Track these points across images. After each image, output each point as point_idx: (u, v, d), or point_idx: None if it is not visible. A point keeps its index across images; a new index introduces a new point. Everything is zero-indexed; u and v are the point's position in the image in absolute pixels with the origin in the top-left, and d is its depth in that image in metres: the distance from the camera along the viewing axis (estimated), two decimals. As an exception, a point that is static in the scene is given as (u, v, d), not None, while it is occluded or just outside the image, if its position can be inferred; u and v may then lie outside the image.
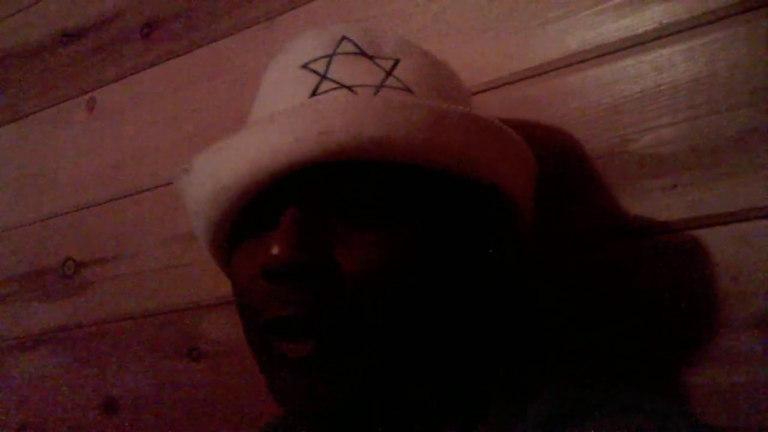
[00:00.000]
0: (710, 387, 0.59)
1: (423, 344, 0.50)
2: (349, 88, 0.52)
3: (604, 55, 0.66)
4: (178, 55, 0.98)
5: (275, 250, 0.47)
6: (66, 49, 1.10)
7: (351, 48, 0.55)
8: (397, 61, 0.54)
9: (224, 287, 0.53)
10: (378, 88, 0.52)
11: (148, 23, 1.01)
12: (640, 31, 0.65)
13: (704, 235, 0.60)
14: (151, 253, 0.97)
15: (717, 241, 0.59)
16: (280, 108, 0.50)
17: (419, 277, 0.49)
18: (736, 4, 0.60)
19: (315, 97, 0.52)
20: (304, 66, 0.54)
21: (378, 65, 0.54)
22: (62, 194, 1.08)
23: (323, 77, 0.53)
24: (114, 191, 1.01)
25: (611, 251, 0.64)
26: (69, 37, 1.10)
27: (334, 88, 0.52)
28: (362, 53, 0.54)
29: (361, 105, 0.47)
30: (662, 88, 0.63)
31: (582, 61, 0.67)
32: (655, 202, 0.62)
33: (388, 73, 0.53)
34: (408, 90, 0.53)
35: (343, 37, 0.55)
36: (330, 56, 0.54)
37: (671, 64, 0.63)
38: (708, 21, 0.62)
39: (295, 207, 0.49)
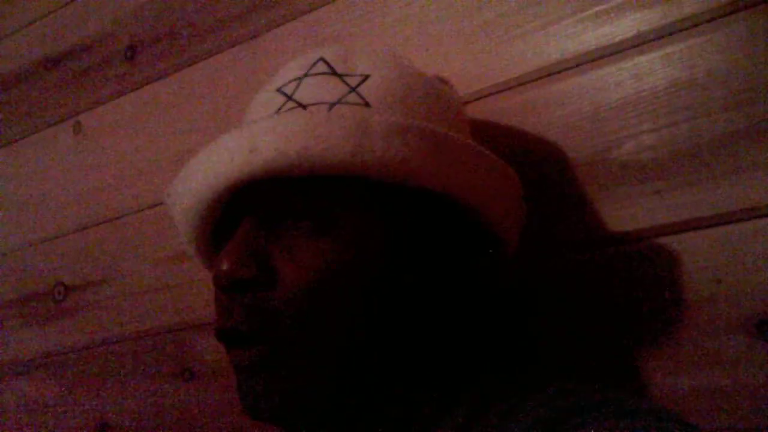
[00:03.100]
0: (695, 390, 0.59)
1: (370, 352, 0.50)
2: (304, 106, 0.53)
3: (584, 63, 0.67)
4: (162, 77, 0.98)
5: (222, 265, 0.49)
6: (50, 73, 1.11)
7: (323, 68, 0.56)
8: (365, 77, 0.55)
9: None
10: (332, 105, 0.53)
11: (131, 46, 1.02)
12: (618, 39, 0.65)
13: (687, 239, 0.61)
14: (141, 275, 0.96)
15: (700, 244, 0.60)
16: None
17: (360, 286, 0.50)
18: (711, 10, 0.61)
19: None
20: (278, 89, 0.56)
21: (345, 82, 0.55)
22: (51, 219, 1.07)
23: (288, 98, 0.55)
24: (102, 214, 1.01)
25: (596, 257, 0.64)
26: (53, 61, 1.10)
27: (293, 108, 0.54)
28: (333, 72, 0.55)
29: (290, 122, 0.49)
30: (642, 94, 0.64)
31: (562, 70, 0.68)
32: (638, 208, 0.63)
33: (352, 90, 0.54)
34: (366, 104, 0.53)
35: (320, 59, 0.57)
36: (300, 78, 0.56)
37: (650, 71, 0.64)
38: (684, 27, 0.62)
39: (247, 220, 0.51)
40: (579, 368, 0.63)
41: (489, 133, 0.70)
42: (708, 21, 0.62)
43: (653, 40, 0.64)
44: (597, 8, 0.67)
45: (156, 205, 0.96)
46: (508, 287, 0.67)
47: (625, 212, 0.63)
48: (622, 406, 0.44)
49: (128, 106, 1.01)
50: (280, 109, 0.54)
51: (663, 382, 0.61)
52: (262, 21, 0.89)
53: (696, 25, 0.62)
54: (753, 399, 0.57)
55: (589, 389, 0.48)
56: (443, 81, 0.64)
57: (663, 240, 0.62)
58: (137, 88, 1.00)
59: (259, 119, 0.52)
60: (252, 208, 0.51)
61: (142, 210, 0.97)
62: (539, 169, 0.67)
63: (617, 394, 0.47)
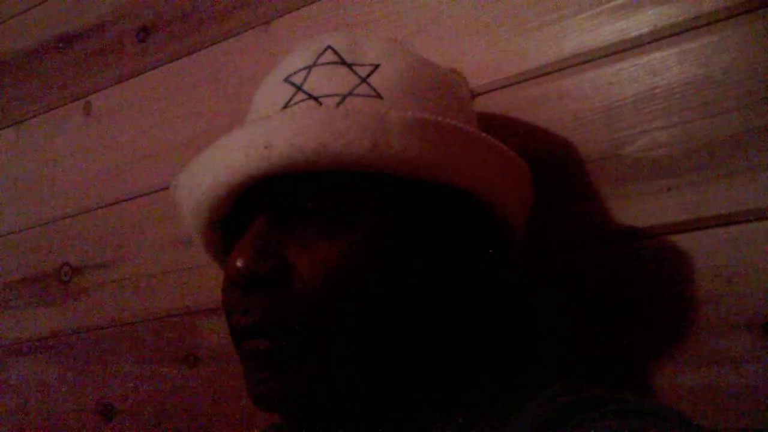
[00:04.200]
0: (700, 389, 0.59)
1: (382, 345, 0.50)
2: (317, 99, 0.53)
3: (599, 58, 0.67)
4: (173, 59, 0.98)
5: (237, 262, 0.49)
6: (62, 53, 1.11)
7: (332, 57, 0.55)
8: (375, 67, 0.54)
9: (221, 292, 0.54)
10: (345, 96, 0.52)
11: (143, 27, 1.01)
12: (634, 34, 0.65)
13: (699, 237, 0.60)
14: (148, 258, 0.97)
15: (711, 243, 0.60)
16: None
17: (373, 282, 0.49)
18: (729, 8, 0.61)
19: (278, 112, 0.53)
20: (286, 79, 0.55)
21: (355, 73, 0.54)
22: (59, 199, 1.08)
23: (298, 89, 0.54)
24: (111, 196, 1.02)
25: (607, 254, 0.64)
26: (65, 41, 1.10)
27: (304, 100, 0.53)
28: (342, 62, 0.55)
29: (305, 117, 0.48)
30: (656, 91, 0.63)
31: (577, 65, 0.68)
32: (650, 205, 0.62)
33: (362, 80, 0.53)
34: (378, 96, 0.53)
35: (327, 47, 0.56)
36: (309, 67, 0.55)
37: (665, 67, 0.63)
38: (701, 24, 0.62)
39: (261, 215, 0.51)
40: (582, 367, 0.63)
41: (501, 126, 0.70)
42: (725, 18, 0.61)
43: (670, 36, 0.63)
44: (614, 2, 0.66)
45: (164, 189, 0.96)
46: (513, 284, 0.66)
47: (636, 209, 0.63)
48: (624, 405, 0.44)
49: (139, 88, 1.01)
50: (290, 100, 0.54)
51: (669, 380, 0.61)
52: (275, 6, 0.89)
53: (713, 23, 0.62)
54: (759, 399, 0.56)
55: (590, 388, 0.48)
56: (454, 71, 0.64)
57: (673, 238, 0.61)
58: (149, 71, 1.00)
59: (273, 114, 0.51)
60: (264, 204, 0.51)
61: (151, 193, 0.97)
62: (550, 164, 0.67)
63: (619, 393, 0.47)
